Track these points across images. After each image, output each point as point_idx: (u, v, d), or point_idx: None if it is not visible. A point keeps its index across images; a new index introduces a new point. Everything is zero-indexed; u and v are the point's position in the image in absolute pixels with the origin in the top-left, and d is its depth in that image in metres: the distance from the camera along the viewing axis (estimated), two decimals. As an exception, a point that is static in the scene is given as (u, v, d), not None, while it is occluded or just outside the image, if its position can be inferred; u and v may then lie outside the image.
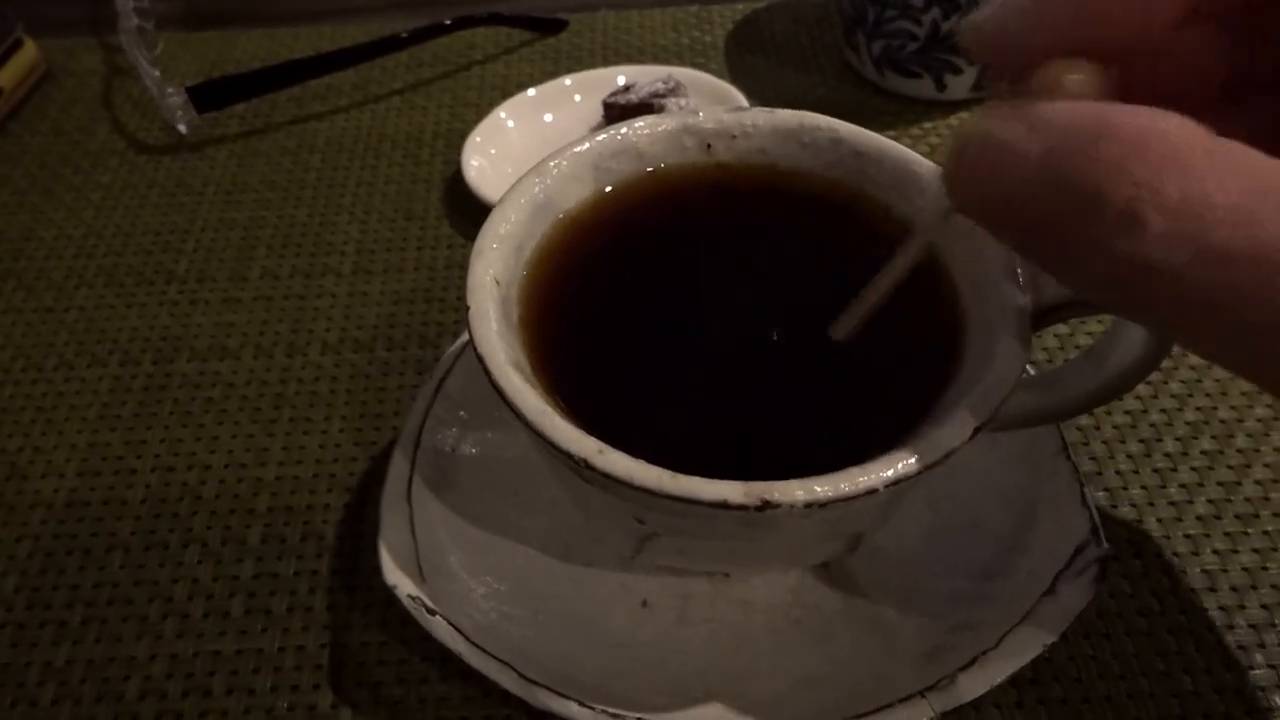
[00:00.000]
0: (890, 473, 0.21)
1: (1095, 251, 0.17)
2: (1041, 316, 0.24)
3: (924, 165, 0.28)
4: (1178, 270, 0.16)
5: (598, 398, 0.25)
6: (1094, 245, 0.17)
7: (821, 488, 0.20)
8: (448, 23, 0.55)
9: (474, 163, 0.46)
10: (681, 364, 0.27)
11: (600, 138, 0.29)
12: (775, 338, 0.27)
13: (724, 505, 0.20)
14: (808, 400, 0.26)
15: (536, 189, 0.28)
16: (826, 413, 0.25)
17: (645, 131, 0.29)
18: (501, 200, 0.27)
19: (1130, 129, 0.16)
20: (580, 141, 0.29)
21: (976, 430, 0.21)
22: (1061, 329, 0.40)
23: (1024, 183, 0.18)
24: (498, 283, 0.25)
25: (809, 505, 0.20)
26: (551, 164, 0.28)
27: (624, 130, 0.29)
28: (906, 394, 0.24)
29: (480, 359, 0.23)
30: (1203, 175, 0.16)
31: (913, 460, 0.21)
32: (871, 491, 0.21)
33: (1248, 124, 0.17)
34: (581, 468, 0.21)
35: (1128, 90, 0.19)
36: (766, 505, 0.20)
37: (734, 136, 0.30)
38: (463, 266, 0.25)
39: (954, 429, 0.21)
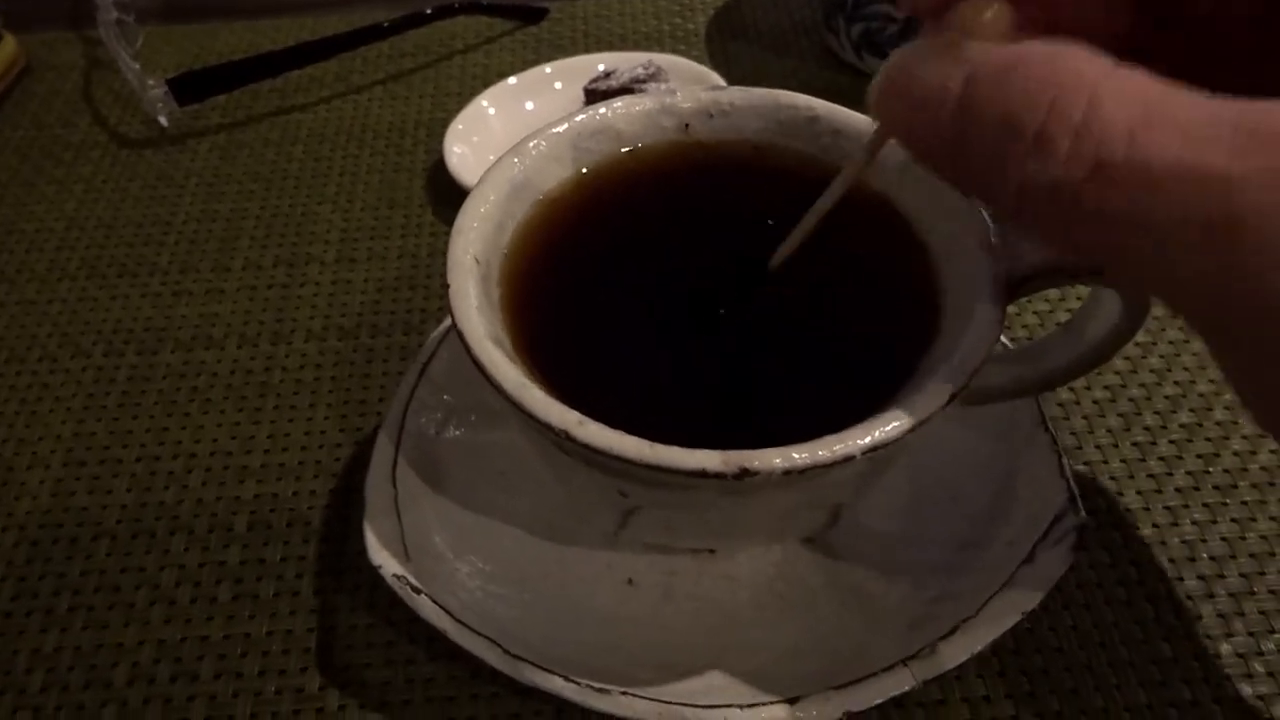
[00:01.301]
0: (867, 440, 0.21)
1: (1012, 176, 0.18)
2: (1017, 286, 0.24)
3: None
4: (1077, 187, 0.17)
5: (580, 374, 0.25)
6: (1011, 170, 0.18)
7: (799, 455, 0.21)
8: (428, 12, 0.55)
9: (456, 150, 0.46)
10: (662, 338, 0.27)
11: (579, 118, 0.29)
12: (754, 311, 0.27)
13: (703, 474, 0.21)
14: (786, 371, 0.26)
15: (516, 169, 0.28)
16: (805, 383, 0.25)
17: (623, 111, 0.29)
18: (481, 180, 0.27)
19: (1040, 58, 0.18)
20: (559, 122, 0.29)
21: (952, 397, 0.22)
22: (1042, 306, 0.40)
23: (947, 113, 0.19)
24: (478, 261, 0.25)
25: (787, 472, 0.21)
26: (530, 144, 0.28)
27: (602, 110, 0.29)
28: (883, 363, 0.25)
29: (460, 335, 0.23)
30: (1101, 98, 0.17)
31: (889, 427, 0.21)
32: (849, 459, 0.21)
33: (1153, 59, 0.18)
34: (562, 439, 0.21)
35: (1040, 28, 0.20)
36: (745, 473, 0.20)
37: (711, 115, 0.30)
38: (445, 253, 0.25)
39: (930, 396, 0.22)
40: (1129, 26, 0.23)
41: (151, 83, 0.50)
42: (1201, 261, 0.17)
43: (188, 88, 0.51)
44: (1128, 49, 0.18)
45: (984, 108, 0.18)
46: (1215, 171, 0.16)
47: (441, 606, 0.27)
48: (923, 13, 0.21)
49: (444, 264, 0.25)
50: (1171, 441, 0.35)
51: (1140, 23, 0.23)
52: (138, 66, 0.51)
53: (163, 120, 0.51)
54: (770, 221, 0.27)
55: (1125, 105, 0.17)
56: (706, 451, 0.21)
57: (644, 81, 0.48)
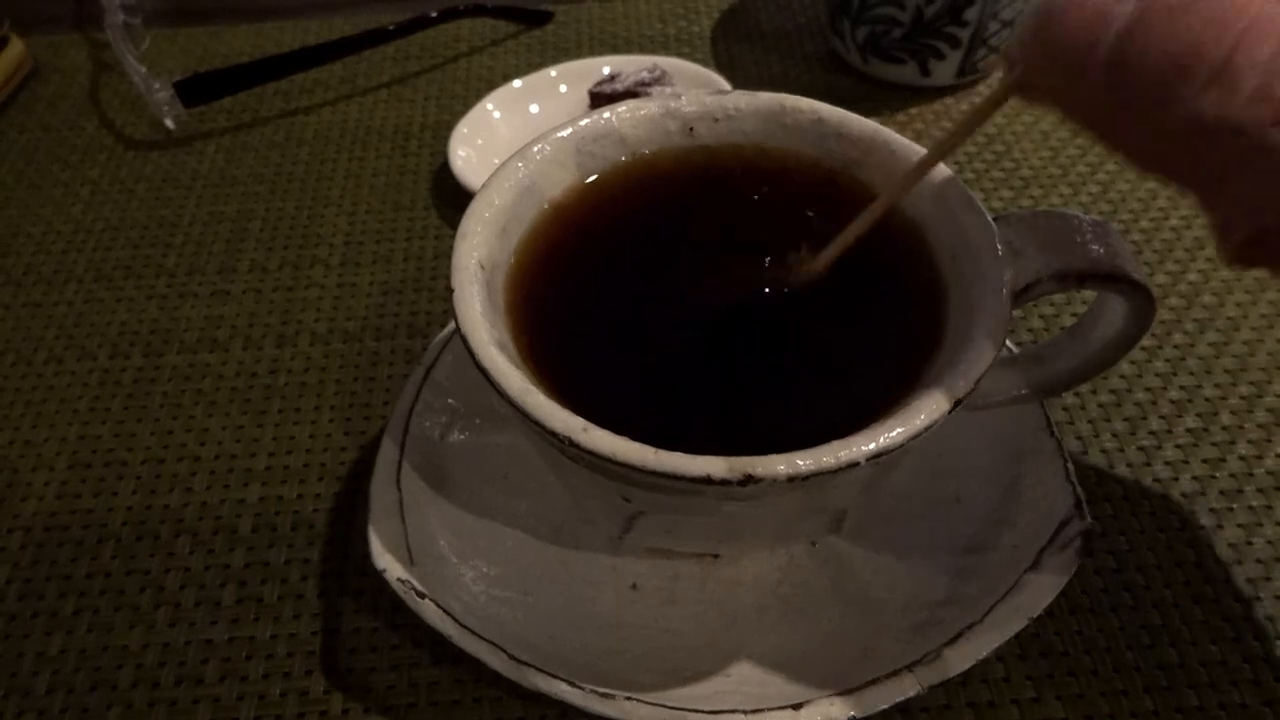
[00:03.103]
0: (871, 446, 0.21)
1: (1179, 109, 0.17)
2: (1023, 291, 0.24)
3: (905, 145, 0.28)
4: (1263, 128, 0.16)
5: (585, 380, 0.25)
6: (1179, 103, 0.17)
7: (803, 461, 0.21)
8: (433, 15, 0.55)
9: (461, 153, 0.46)
10: (666, 344, 0.27)
11: (583, 122, 0.29)
12: (758, 317, 0.27)
13: (707, 480, 0.21)
14: (791, 377, 0.26)
15: (520, 173, 0.28)
16: (809, 389, 0.25)
17: (628, 115, 0.29)
18: (485, 184, 0.27)
19: None
20: (563, 126, 0.29)
21: (956, 404, 0.22)
22: (1047, 310, 0.40)
23: (1110, 37, 0.18)
24: (482, 266, 0.25)
25: (791, 479, 0.20)
26: (535, 148, 0.28)
27: (607, 114, 0.29)
28: (888, 369, 0.25)
29: (464, 339, 0.23)
30: None
31: (893, 434, 0.21)
32: (853, 465, 0.21)
33: None
34: (566, 445, 0.21)
35: None
36: (749, 479, 0.20)
37: (716, 119, 0.30)
38: (450, 256, 0.25)
39: (934, 403, 0.22)
40: None
41: (157, 85, 0.50)
42: None
43: (194, 90, 0.51)
44: None
45: (1158, 36, 0.17)
46: None
47: (445, 610, 0.27)
48: None
49: (448, 267, 0.25)
50: (1178, 446, 0.35)
51: None
52: (144, 69, 0.51)
53: (169, 123, 0.51)
54: (774, 226, 0.27)
55: None
56: (711, 458, 0.21)
57: (649, 85, 0.48)
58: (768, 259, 0.28)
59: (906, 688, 0.26)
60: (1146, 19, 0.17)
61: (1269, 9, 0.16)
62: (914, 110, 0.50)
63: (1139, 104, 0.18)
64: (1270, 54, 0.16)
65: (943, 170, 0.27)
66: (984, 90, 0.51)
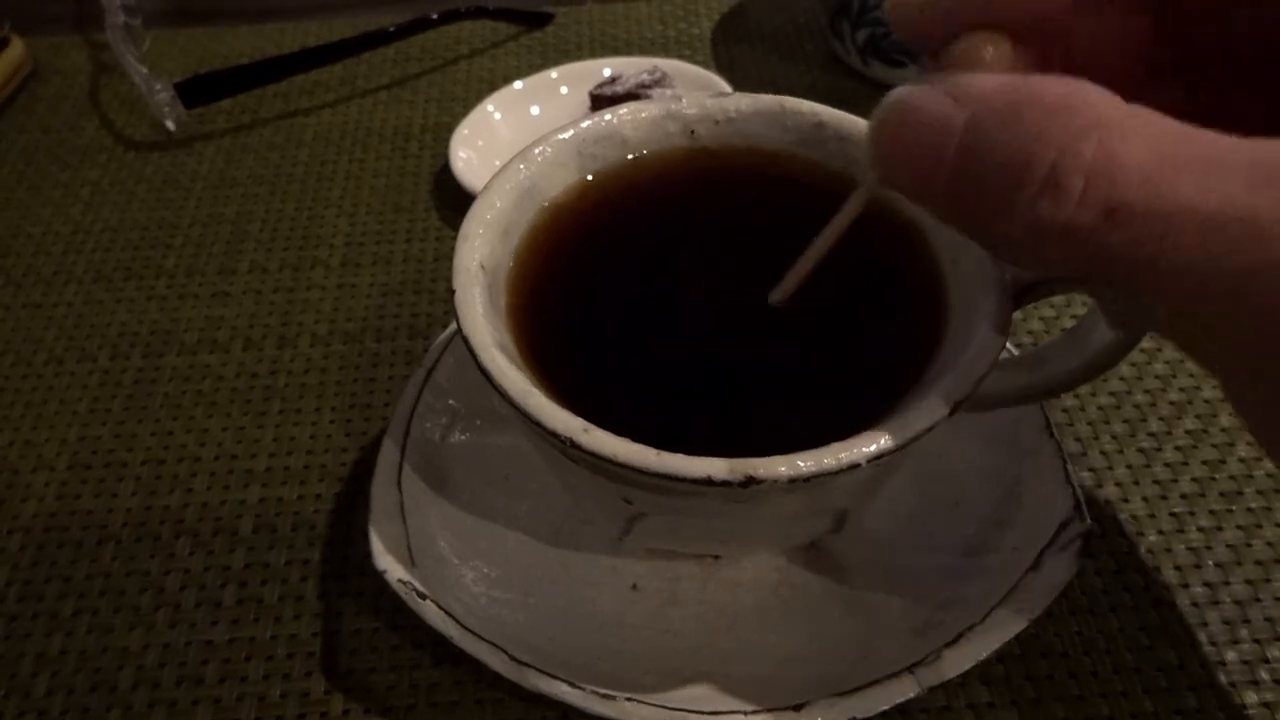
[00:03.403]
0: (873, 447, 0.21)
1: (1019, 217, 0.17)
2: (1023, 292, 0.24)
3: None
4: (1092, 228, 0.17)
5: (585, 381, 0.25)
6: (1018, 211, 0.17)
7: (805, 463, 0.21)
8: (434, 17, 0.55)
9: (461, 155, 0.46)
10: (669, 346, 0.27)
11: (584, 124, 0.29)
12: (759, 318, 0.27)
13: (708, 481, 0.21)
14: (792, 378, 0.26)
15: (521, 175, 0.28)
16: (810, 390, 0.25)
17: (629, 117, 0.30)
18: (486, 186, 0.27)
19: (1053, 96, 0.17)
20: (565, 128, 0.29)
21: (958, 405, 0.22)
22: (1047, 312, 0.40)
23: (949, 151, 0.18)
24: (483, 268, 0.25)
25: (793, 480, 0.21)
26: (536, 150, 0.28)
27: (608, 116, 0.29)
28: (889, 370, 0.25)
29: (466, 341, 0.23)
30: (1116, 137, 0.16)
31: (894, 436, 0.21)
32: (854, 466, 0.21)
33: (1164, 101, 0.18)
34: (567, 447, 0.21)
35: (1045, 66, 0.20)
36: (750, 481, 0.20)
37: (717, 121, 0.30)
38: (451, 258, 0.25)
39: (934, 405, 0.22)
40: (1135, 66, 0.23)
41: (158, 86, 0.50)
42: (1219, 302, 0.16)
43: (194, 91, 0.51)
44: (1134, 92, 0.18)
45: (990, 147, 0.17)
46: (1234, 210, 0.16)
47: (446, 611, 0.27)
48: (919, 36, 0.21)
49: (449, 269, 0.25)
50: (1177, 448, 0.35)
51: (1151, 59, 0.23)
52: (144, 70, 0.51)
53: (169, 124, 0.51)
54: (776, 228, 0.27)
55: (1139, 145, 0.16)
56: (712, 459, 0.21)
57: (649, 87, 0.48)
58: (767, 261, 0.28)
59: (906, 689, 0.26)
60: (978, 128, 0.18)
61: (1090, 107, 0.17)
62: (914, 112, 0.50)
63: (984, 207, 0.18)
64: (1093, 158, 0.16)
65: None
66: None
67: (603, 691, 0.26)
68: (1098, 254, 0.17)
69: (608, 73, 0.51)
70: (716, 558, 0.31)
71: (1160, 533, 0.32)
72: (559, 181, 0.29)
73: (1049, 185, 0.17)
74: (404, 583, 0.27)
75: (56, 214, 0.47)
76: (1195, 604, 0.31)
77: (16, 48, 0.55)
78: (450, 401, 0.33)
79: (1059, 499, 0.29)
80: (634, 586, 0.30)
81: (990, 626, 0.26)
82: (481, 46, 0.57)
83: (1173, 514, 0.33)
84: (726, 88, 0.48)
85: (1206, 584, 0.31)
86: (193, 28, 0.60)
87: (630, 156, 0.30)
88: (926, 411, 0.21)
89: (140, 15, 0.56)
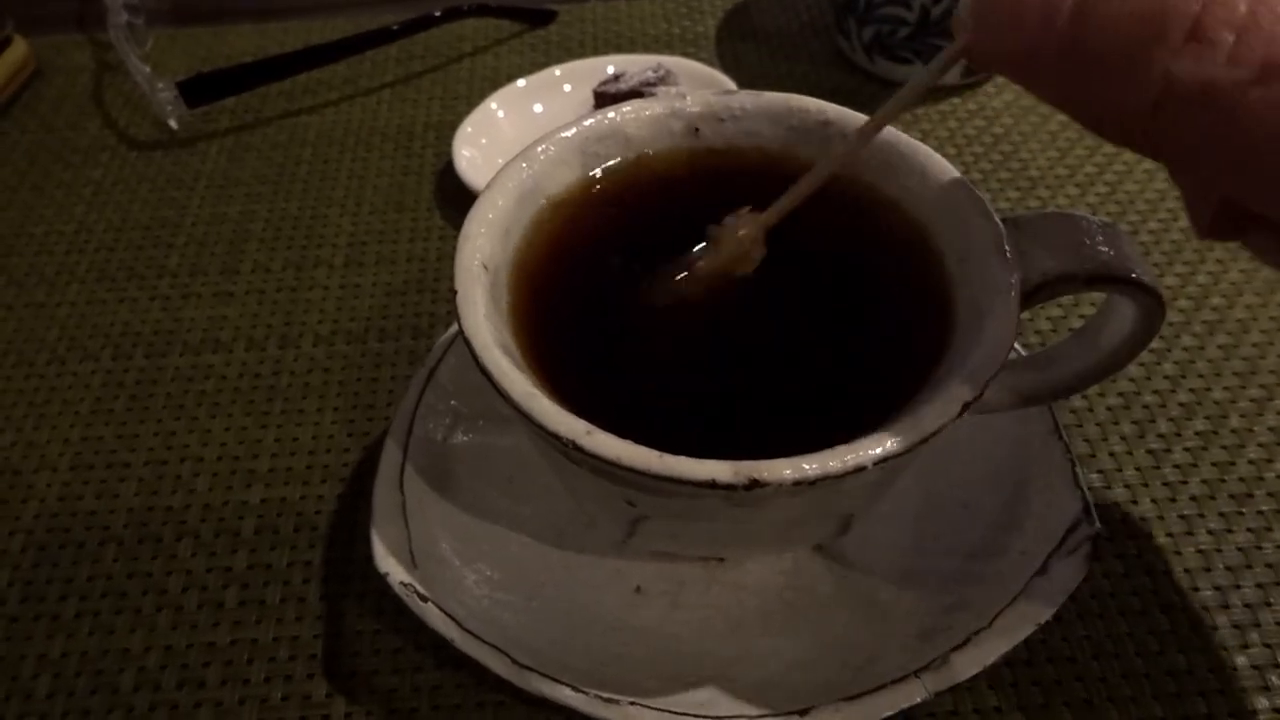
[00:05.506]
0: (879, 450, 0.21)
1: (1149, 80, 0.16)
2: (1030, 293, 0.24)
3: (912, 146, 0.27)
4: (1241, 88, 0.15)
5: (589, 383, 0.25)
6: (1148, 72, 0.16)
7: (810, 466, 0.20)
8: (437, 15, 0.55)
9: (465, 153, 0.46)
10: (671, 347, 0.26)
11: (587, 122, 0.29)
12: (763, 318, 0.27)
13: (712, 485, 0.20)
14: (797, 380, 0.26)
15: (524, 174, 0.28)
16: (816, 392, 0.25)
17: (632, 115, 0.29)
18: (489, 185, 0.27)
19: None
20: (567, 126, 0.29)
21: (964, 408, 0.21)
22: (1055, 312, 0.40)
23: (1066, 7, 0.16)
24: (485, 268, 0.25)
25: (797, 484, 0.20)
26: (539, 149, 0.28)
27: (611, 114, 0.29)
28: (896, 373, 0.24)
29: (468, 342, 0.23)
30: None
31: (901, 439, 0.21)
32: (860, 469, 0.20)
33: None
34: (570, 449, 0.21)
35: None
36: (755, 484, 0.20)
37: (721, 120, 0.30)
38: (454, 257, 0.25)
39: (942, 407, 0.21)
40: None
41: (161, 85, 0.50)
42: None
43: (197, 90, 0.51)
44: None
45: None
46: None
47: (448, 614, 0.27)
48: None
49: (452, 268, 0.25)
50: (1186, 449, 0.35)
51: None
52: (147, 69, 0.51)
53: (172, 123, 0.51)
54: (780, 227, 0.27)
55: None
56: (716, 462, 0.20)
57: (653, 84, 0.47)
58: (771, 260, 0.27)
59: (913, 694, 0.25)
60: None
61: None
62: (920, 110, 0.50)
63: (1104, 69, 0.17)
64: (1247, 9, 0.15)
65: (950, 171, 0.26)
66: (991, 90, 0.51)
67: (606, 695, 0.25)
68: (1235, 125, 0.15)
69: (611, 70, 0.50)
70: (721, 561, 0.30)
71: (1169, 535, 0.32)
72: (562, 180, 0.29)
73: (1192, 39, 0.15)
74: (406, 585, 0.27)
75: (59, 213, 0.47)
76: (1205, 608, 0.30)
77: (19, 47, 0.55)
78: (453, 402, 0.33)
79: (1067, 502, 0.28)
80: (638, 590, 0.30)
81: (998, 631, 0.26)
82: (485, 44, 0.57)
83: (1182, 516, 0.33)
84: (731, 85, 0.48)
85: (1216, 587, 0.31)
86: (195, 27, 0.60)
87: (634, 155, 0.30)
88: (934, 414, 0.21)
89: (143, 14, 0.56)
